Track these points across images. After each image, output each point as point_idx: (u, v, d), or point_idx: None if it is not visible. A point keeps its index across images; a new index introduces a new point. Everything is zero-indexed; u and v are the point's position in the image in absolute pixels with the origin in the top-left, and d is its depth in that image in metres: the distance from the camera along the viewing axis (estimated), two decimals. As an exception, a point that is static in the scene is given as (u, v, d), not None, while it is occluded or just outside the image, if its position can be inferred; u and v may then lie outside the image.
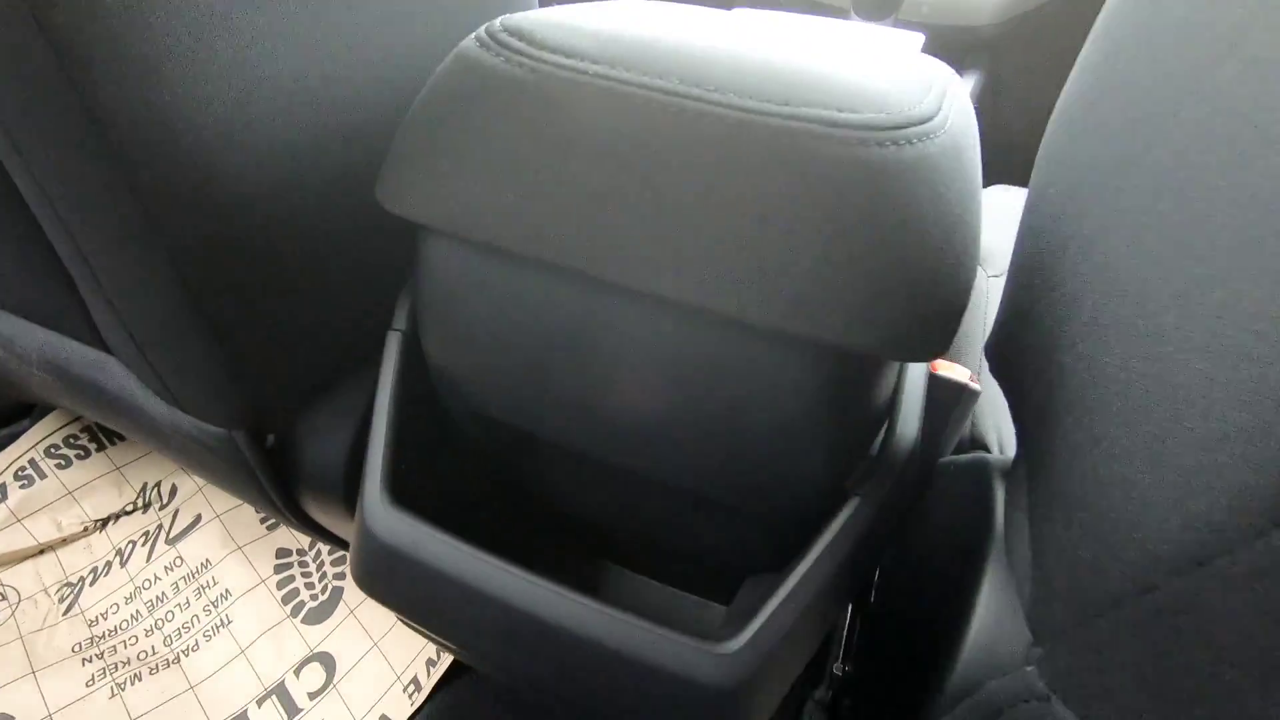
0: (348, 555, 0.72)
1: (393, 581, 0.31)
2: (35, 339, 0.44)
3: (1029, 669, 0.26)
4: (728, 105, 0.21)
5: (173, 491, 0.77)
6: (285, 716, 0.62)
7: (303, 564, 0.72)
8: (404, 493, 0.32)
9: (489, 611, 0.29)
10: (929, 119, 0.22)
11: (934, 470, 0.33)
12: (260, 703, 0.63)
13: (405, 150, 0.26)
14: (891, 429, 0.29)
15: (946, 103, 0.25)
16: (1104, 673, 0.24)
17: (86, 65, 0.25)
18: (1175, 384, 0.20)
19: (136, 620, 0.68)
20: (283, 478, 0.44)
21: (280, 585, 0.70)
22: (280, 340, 0.37)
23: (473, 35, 0.25)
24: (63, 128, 0.26)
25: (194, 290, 0.32)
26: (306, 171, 0.32)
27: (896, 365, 0.29)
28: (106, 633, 0.67)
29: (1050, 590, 0.25)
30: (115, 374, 0.43)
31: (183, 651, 0.66)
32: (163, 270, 0.31)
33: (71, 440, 0.79)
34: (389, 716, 0.61)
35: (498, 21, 0.25)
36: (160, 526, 0.74)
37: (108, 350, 0.42)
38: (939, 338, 0.24)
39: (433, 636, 0.35)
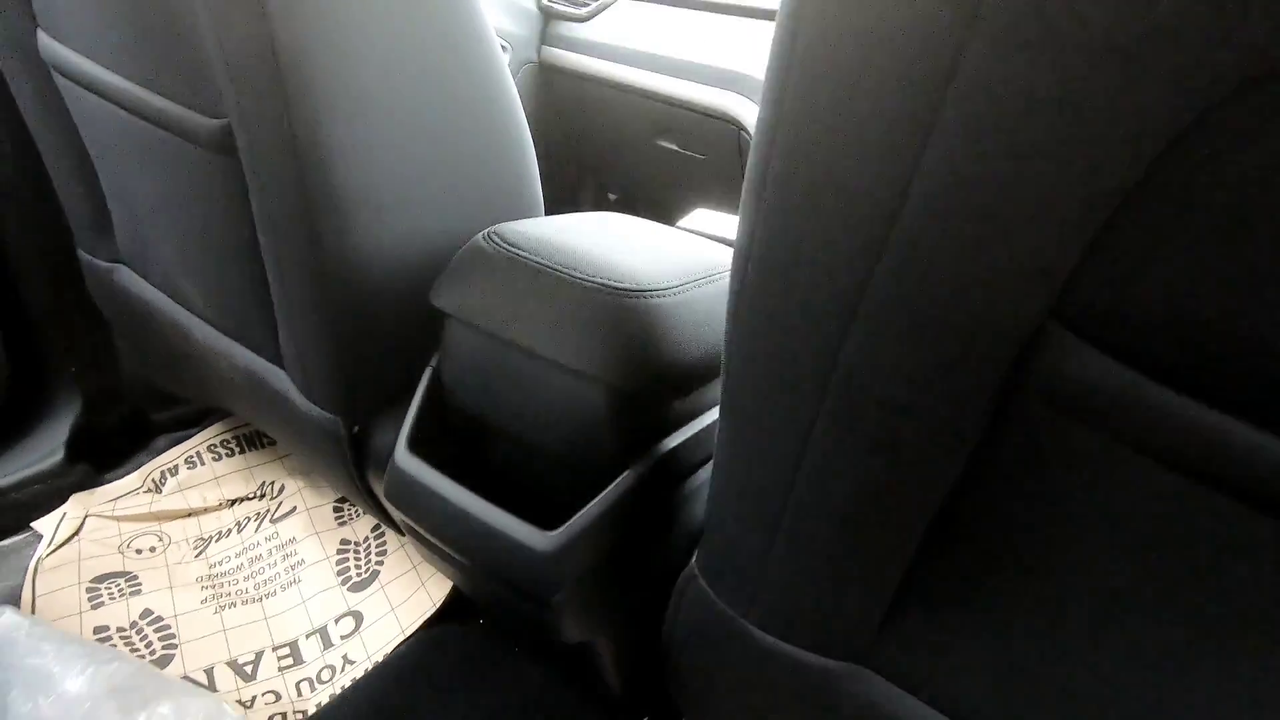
0: (387, 543, 1.00)
1: (406, 496, 0.59)
2: (242, 356, 0.78)
3: (693, 560, 0.51)
4: (571, 275, 0.51)
5: (281, 489, 1.08)
6: (322, 647, 0.88)
7: (355, 552, 1.00)
8: (418, 448, 0.60)
9: (450, 510, 0.57)
10: (662, 289, 0.51)
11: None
12: (308, 636, 0.89)
13: (445, 278, 0.57)
14: (660, 438, 0.56)
15: (692, 282, 0.54)
16: (719, 556, 0.48)
17: (321, 220, 0.58)
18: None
19: (239, 570, 0.97)
20: (358, 458, 0.73)
21: (338, 564, 0.98)
22: (374, 364, 0.68)
23: (480, 234, 0.57)
24: (305, 255, 0.59)
25: (341, 332, 0.64)
26: (398, 279, 0.64)
27: (671, 399, 0.56)
28: (219, 575, 0.96)
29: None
30: (280, 379, 0.75)
31: (265, 595, 0.94)
32: (325, 325, 0.63)
33: (224, 443, 1.13)
34: (387, 652, 0.86)
35: (493, 229, 0.57)
36: (268, 510, 1.05)
37: (281, 365, 0.75)
38: (667, 388, 0.52)
39: (423, 534, 0.62)
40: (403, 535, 0.78)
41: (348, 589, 0.95)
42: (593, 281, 0.51)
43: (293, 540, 1.01)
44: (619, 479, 0.53)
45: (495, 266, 0.54)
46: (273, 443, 1.14)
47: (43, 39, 0.73)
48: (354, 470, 0.74)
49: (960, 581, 0.38)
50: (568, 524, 0.53)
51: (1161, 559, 0.30)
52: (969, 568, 0.37)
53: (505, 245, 0.55)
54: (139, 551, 0.97)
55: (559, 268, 0.52)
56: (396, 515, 0.64)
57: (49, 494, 1.00)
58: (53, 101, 0.78)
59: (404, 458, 0.60)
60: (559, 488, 0.60)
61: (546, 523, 0.54)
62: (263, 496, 1.07)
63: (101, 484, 1.05)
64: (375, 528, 1.02)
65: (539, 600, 0.55)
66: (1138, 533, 0.30)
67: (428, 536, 0.61)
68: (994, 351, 0.28)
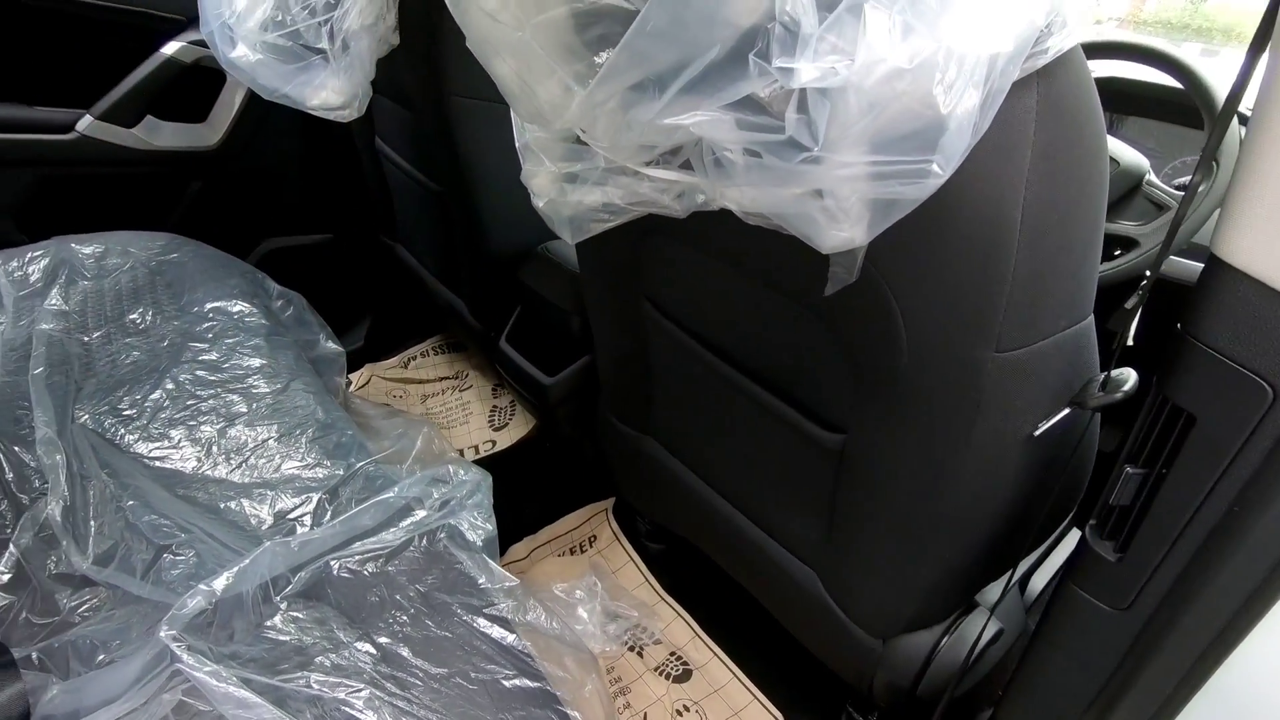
0: (517, 407, 1.76)
1: (509, 367, 1.32)
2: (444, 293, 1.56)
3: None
4: (567, 266, 1.20)
5: (468, 375, 1.89)
6: (476, 453, 1.67)
7: (498, 411, 1.78)
8: (511, 340, 1.33)
9: (516, 368, 1.29)
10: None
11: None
12: (470, 446, 1.68)
13: (526, 263, 1.29)
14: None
15: None
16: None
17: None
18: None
19: (439, 412, 1.79)
20: (501, 357, 1.48)
21: (489, 417, 1.77)
22: (500, 300, 1.43)
23: (540, 246, 1.27)
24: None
25: (491, 277, 1.38)
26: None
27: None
28: (430, 413, 1.79)
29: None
30: (463, 308, 1.52)
31: (450, 425, 1.75)
32: (487, 271, 1.38)
33: (438, 348, 1.96)
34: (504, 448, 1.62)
35: (545, 245, 1.27)
36: (458, 384, 1.87)
37: (462, 297, 1.52)
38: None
39: (514, 385, 1.34)
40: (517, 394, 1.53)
41: (492, 429, 1.73)
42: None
43: (469, 402, 1.82)
44: (582, 359, 1.22)
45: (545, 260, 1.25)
46: (466, 348, 1.96)
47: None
48: (497, 363, 1.49)
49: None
50: (558, 375, 1.23)
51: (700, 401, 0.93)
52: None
53: (549, 253, 1.25)
54: (394, 396, 1.83)
55: (563, 261, 1.21)
56: (506, 377, 1.37)
57: (358, 359, 1.90)
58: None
59: (505, 345, 1.33)
60: (564, 365, 1.31)
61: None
62: (457, 376, 1.90)
63: (379, 360, 1.93)
64: (511, 400, 1.79)
65: (547, 408, 1.25)
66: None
67: (514, 385, 1.34)
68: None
